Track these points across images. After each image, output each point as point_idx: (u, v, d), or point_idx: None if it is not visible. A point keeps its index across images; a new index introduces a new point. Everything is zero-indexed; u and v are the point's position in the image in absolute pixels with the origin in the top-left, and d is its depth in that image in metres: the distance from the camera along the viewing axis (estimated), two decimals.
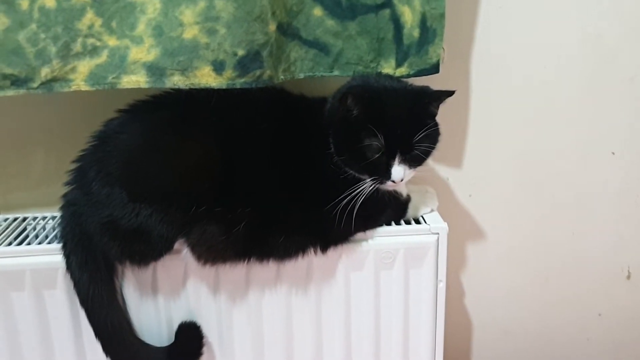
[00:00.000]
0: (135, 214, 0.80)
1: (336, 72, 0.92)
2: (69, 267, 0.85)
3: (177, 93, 0.87)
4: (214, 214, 0.81)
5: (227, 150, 0.83)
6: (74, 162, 0.86)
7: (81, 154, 0.86)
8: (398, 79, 0.91)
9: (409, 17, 0.91)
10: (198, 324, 0.90)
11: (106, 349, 0.86)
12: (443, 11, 0.90)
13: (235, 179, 0.82)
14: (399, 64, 0.93)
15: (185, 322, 0.90)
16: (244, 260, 0.86)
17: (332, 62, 0.92)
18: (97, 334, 0.86)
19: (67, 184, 0.86)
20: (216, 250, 0.84)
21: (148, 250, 0.84)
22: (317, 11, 0.89)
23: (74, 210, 0.85)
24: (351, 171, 0.84)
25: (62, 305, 0.89)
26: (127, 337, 0.87)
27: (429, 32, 0.91)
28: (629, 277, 1.23)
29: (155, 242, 0.83)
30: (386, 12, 0.91)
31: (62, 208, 0.87)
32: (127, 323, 0.88)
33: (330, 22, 0.90)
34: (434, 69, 0.93)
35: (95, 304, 0.85)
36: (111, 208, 0.81)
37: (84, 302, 0.85)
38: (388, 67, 0.93)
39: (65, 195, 0.87)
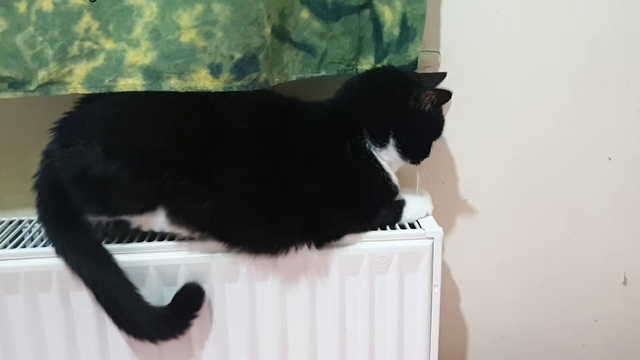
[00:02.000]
0: (107, 168, 0.81)
1: (323, 72, 0.95)
2: (41, 217, 0.86)
3: None
4: (184, 185, 0.83)
5: (209, 129, 0.84)
6: (55, 122, 0.87)
7: (65, 114, 0.87)
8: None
9: (388, 16, 0.93)
10: (200, 285, 0.89)
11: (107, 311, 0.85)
12: (424, 12, 0.93)
13: (211, 158, 0.83)
14: (378, 61, 0.96)
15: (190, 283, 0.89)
16: (217, 240, 0.87)
17: (318, 62, 0.94)
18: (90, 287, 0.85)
19: (50, 137, 0.87)
20: (185, 218, 0.85)
21: (114, 203, 0.85)
22: (304, 13, 0.91)
23: (49, 162, 0.86)
24: (407, 158, 0.93)
25: (56, 308, 0.89)
26: (125, 295, 0.85)
27: (409, 31, 0.93)
28: (625, 283, 1.23)
29: (122, 199, 0.84)
30: (366, 12, 0.94)
31: (41, 162, 0.88)
32: (119, 275, 0.86)
33: (316, 24, 0.92)
34: (412, 66, 0.96)
35: (74, 252, 0.85)
36: (86, 159, 0.82)
37: (60, 252, 0.85)
38: (367, 64, 0.96)
39: (45, 150, 0.87)
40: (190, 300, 0.88)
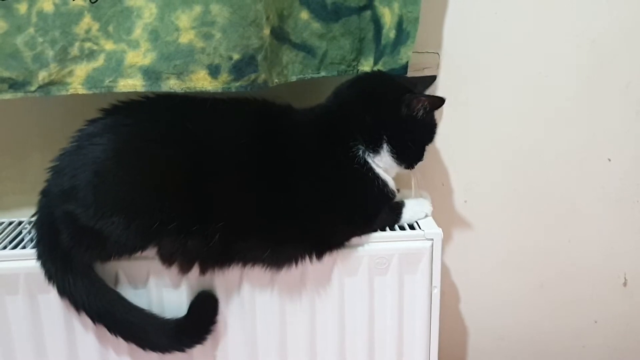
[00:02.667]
0: (97, 218, 0.81)
1: (323, 73, 0.95)
2: (39, 257, 0.86)
3: (157, 98, 0.88)
4: (183, 230, 0.81)
5: (201, 164, 0.83)
6: (54, 160, 0.87)
7: (60, 154, 0.86)
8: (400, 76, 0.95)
9: (388, 18, 0.93)
10: (215, 295, 0.90)
11: (112, 330, 0.86)
12: (418, 15, 0.92)
13: (208, 195, 0.82)
14: (375, 63, 0.96)
15: (203, 291, 0.90)
16: (222, 269, 0.87)
17: (318, 63, 0.94)
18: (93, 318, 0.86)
19: (46, 181, 0.87)
20: (188, 261, 0.85)
21: (104, 249, 0.84)
22: (304, 14, 0.92)
23: (46, 202, 0.87)
24: (402, 164, 0.91)
25: (56, 309, 0.89)
26: (128, 312, 0.86)
27: (403, 33, 0.93)
28: (625, 284, 1.23)
29: (111, 247, 0.83)
30: (367, 13, 0.94)
31: (38, 201, 0.88)
32: (118, 298, 0.86)
33: (316, 25, 0.92)
34: (403, 69, 0.95)
35: (76, 292, 0.85)
36: (77, 205, 0.81)
37: (62, 293, 0.86)
38: (367, 65, 0.96)
39: (43, 190, 0.88)
40: (205, 309, 0.89)
